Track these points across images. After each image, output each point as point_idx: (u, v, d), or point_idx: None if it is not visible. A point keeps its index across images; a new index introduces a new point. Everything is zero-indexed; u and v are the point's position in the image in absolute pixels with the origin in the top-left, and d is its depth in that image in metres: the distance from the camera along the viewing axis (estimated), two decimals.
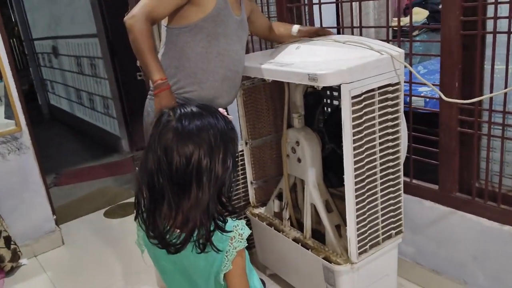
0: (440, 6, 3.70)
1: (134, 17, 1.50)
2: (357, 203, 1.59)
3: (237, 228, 1.01)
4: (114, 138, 4.45)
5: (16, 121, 2.49)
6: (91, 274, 2.45)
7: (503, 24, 1.47)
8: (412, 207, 1.90)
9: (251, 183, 2.14)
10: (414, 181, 1.90)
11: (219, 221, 0.99)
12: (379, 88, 1.53)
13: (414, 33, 3.40)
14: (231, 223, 1.02)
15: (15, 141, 2.52)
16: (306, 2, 2.19)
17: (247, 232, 1.03)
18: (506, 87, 1.48)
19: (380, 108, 1.56)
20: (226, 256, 1.00)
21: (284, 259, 1.99)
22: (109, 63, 4.18)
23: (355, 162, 1.54)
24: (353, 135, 1.51)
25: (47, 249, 2.70)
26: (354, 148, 1.53)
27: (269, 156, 2.17)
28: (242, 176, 2.26)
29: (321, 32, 1.86)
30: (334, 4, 2.38)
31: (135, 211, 1.04)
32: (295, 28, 1.88)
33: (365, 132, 1.54)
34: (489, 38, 1.53)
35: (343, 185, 1.91)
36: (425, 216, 1.89)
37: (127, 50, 4.34)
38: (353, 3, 1.96)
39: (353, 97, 1.47)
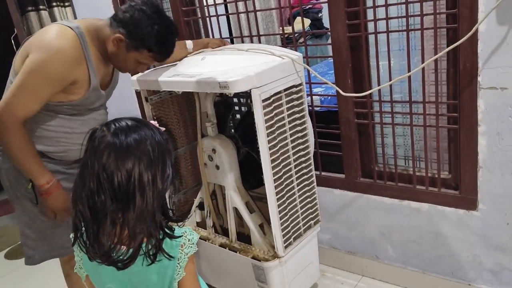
0: (320, 15, 4.02)
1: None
2: (277, 200, 1.69)
3: (186, 234, 1.03)
4: None
5: None
6: None
7: (382, 25, 1.68)
8: (324, 197, 2.06)
9: (170, 197, 2.13)
10: (323, 173, 2.07)
11: (166, 229, 1.00)
12: (285, 90, 1.66)
13: (301, 40, 3.67)
14: (178, 230, 1.04)
15: None
16: (201, 15, 2.26)
17: (196, 237, 1.06)
18: (390, 79, 1.69)
19: (288, 109, 1.68)
20: (179, 264, 1.01)
21: (213, 266, 2.02)
22: None
23: (272, 161, 1.64)
24: (267, 136, 1.61)
25: None
26: (269, 148, 1.62)
27: (185, 168, 2.19)
28: None
29: (212, 43, 1.93)
30: (225, 17, 2.50)
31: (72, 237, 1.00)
32: (189, 44, 1.91)
33: (277, 132, 1.65)
34: (371, 38, 1.74)
35: (260, 186, 2.01)
36: (336, 203, 2.07)
37: None
38: (242, 14, 2.08)
39: (263, 100, 1.57)
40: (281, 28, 3.17)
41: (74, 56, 1.42)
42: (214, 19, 2.20)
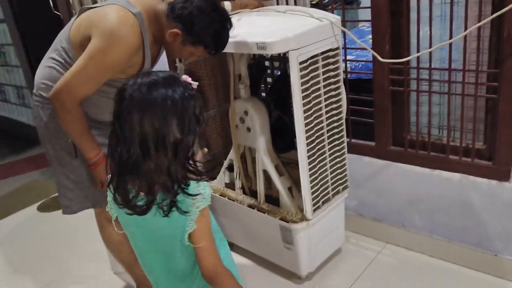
0: None
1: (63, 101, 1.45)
2: (309, 163, 1.70)
3: (199, 189, 1.04)
4: (33, 130, 4.16)
5: None
6: (37, 269, 2.34)
7: None
8: (353, 164, 2.06)
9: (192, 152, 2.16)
10: (353, 140, 2.06)
11: (183, 184, 1.02)
12: (322, 53, 1.64)
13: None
14: (193, 184, 1.05)
15: None
16: None
17: (208, 191, 1.07)
18: (430, 46, 1.66)
19: (324, 72, 1.67)
20: (190, 216, 1.03)
21: (240, 226, 2.07)
22: (21, 50, 3.88)
23: (305, 125, 1.65)
24: (302, 99, 1.61)
25: None
26: (304, 111, 1.63)
27: (214, 130, 2.21)
28: None
29: (251, 4, 1.91)
30: None
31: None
32: (227, 5, 1.89)
33: (312, 96, 1.65)
34: (413, 3, 1.69)
35: (289, 150, 2.03)
36: (364, 171, 2.07)
37: (39, 36, 4.08)
38: None
39: (300, 63, 1.56)
40: None
41: (134, 45, 1.44)
42: None
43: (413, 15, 1.72)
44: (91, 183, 1.68)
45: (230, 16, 1.57)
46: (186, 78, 1.07)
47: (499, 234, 1.76)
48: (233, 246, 2.21)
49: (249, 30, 1.68)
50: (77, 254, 2.41)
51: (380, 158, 2.00)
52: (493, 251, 1.80)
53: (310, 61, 1.59)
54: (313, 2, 2.08)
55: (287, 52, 1.54)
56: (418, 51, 1.70)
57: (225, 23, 1.51)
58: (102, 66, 1.43)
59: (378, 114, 1.93)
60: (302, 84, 1.59)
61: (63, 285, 2.19)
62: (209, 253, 1.08)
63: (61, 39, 1.53)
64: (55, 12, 2.46)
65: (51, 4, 2.45)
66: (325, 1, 3.92)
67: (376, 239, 2.14)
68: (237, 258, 2.16)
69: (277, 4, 2.02)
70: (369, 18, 1.81)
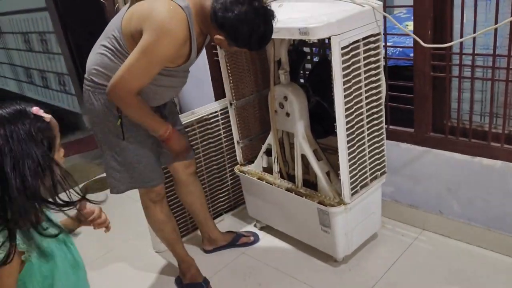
0: None
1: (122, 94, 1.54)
2: (348, 148, 1.72)
3: None
4: (74, 116, 4.33)
5: None
6: (81, 247, 2.44)
7: None
8: (390, 150, 2.06)
9: (238, 142, 2.22)
10: (391, 126, 2.06)
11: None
12: (363, 38, 1.65)
13: None
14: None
15: None
16: None
17: None
18: (475, 32, 1.64)
19: (365, 58, 1.68)
20: None
21: (277, 210, 2.11)
22: (62, 37, 4.01)
23: (346, 110, 1.66)
24: (343, 84, 1.62)
25: None
26: (344, 97, 1.64)
27: (253, 115, 2.25)
28: (226, 137, 2.35)
29: None
30: None
31: None
32: None
33: (352, 81, 1.66)
34: None
35: (327, 135, 2.05)
36: (402, 157, 2.07)
37: (79, 23, 4.19)
38: None
39: (342, 48, 1.57)
40: None
41: (183, 38, 1.51)
42: None
43: (457, 0, 1.70)
44: (137, 165, 1.76)
45: (270, 4, 1.60)
46: (37, 111, 1.03)
47: None
48: (270, 229, 2.27)
49: (290, 15, 1.70)
50: (119, 234, 2.51)
51: (419, 144, 1.99)
52: None
53: (351, 46, 1.61)
54: None
55: (329, 37, 1.56)
56: (461, 37, 1.69)
57: (268, 23, 1.54)
58: (153, 59, 1.49)
59: (418, 100, 1.92)
60: (343, 69, 1.61)
61: (107, 262, 2.30)
62: None
63: (113, 28, 1.59)
64: (101, 0, 2.54)
65: None
66: None
67: (412, 226, 2.15)
68: (274, 241, 2.22)
69: None
70: (407, 3, 1.80)
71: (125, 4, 2.50)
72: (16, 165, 0.96)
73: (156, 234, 2.02)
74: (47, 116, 1.03)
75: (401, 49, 2.66)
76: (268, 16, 1.54)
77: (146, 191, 1.87)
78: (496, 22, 1.59)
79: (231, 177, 2.44)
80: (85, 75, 1.70)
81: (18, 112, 1.00)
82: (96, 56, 1.64)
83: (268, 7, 1.55)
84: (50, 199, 1.05)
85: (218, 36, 1.53)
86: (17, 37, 4.70)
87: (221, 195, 2.44)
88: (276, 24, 1.59)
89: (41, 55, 4.45)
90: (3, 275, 1.01)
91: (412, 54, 2.37)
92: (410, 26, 1.95)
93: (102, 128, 1.72)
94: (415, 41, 1.82)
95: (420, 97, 1.91)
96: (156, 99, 1.70)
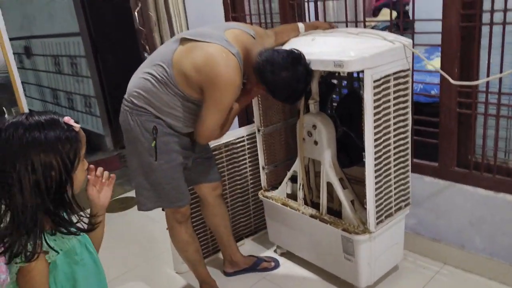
0: (407, 7, 3.96)
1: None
2: (375, 177, 1.77)
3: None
4: (97, 137, 4.45)
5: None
6: (103, 266, 2.49)
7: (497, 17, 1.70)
8: (414, 183, 2.10)
9: (263, 168, 2.28)
10: (415, 160, 2.11)
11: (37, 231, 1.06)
12: (394, 73, 1.73)
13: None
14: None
15: None
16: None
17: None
18: (501, 71, 1.71)
19: (394, 92, 1.76)
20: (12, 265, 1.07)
21: (300, 236, 2.15)
22: (92, 61, 4.18)
23: (375, 140, 1.73)
24: (374, 115, 1.69)
25: None
26: (374, 127, 1.71)
27: (278, 142, 2.32)
28: (251, 163, 2.41)
29: (322, 26, 2.04)
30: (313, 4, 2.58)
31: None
32: (301, 27, 2.03)
33: (382, 113, 1.73)
34: (484, 29, 1.76)
35: (351, 165, 2.11)
36: (425, 190, 2.11)
37: (109, 48, 4.38)
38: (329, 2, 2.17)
39: (374, 81, 1.65)
40: (368, 19, 3.20)
41: (240, 83, 1.69)
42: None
43: (484, 41, 1.78)
44: (166, 186, 1.82)
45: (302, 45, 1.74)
46: (68, 120, 1.10)
47: None
48: (291, 256, 2.29)
49: (324, 49, 1.79)
50: (141, 254, 2.55)
51: (443, 178, 2.04)
52: None
53: (383, 80, 1.68)
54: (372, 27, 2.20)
55: (362, 70, 1.64)
56: (488, 76, 1.76)
57: (307, 85, 1.72)
58: (225, 107, 1.70)
59: (443, 135, 1.98)
60: (374, 101, 1.68)
61: (127, 280, 2.33)
62: None
63: (161, 58, 1.71)
64: (140, 28, 2.68)
65: (137, 20, 2.67)
66: (380, 26, 4.03)
67: (433, 259, 2.16)
68: (295, 268, 2.24)
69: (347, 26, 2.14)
70: (427, 42, 1.89)
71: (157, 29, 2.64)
72: (44, 168, 1.04)
73: (180, 254, 2.06)
74: (76, 126, 1.11)
75: (422, 86, 2.74)
76: (308, 79, 1.69)
77: (172, 211, 1.92)
78: None
79: (253, 202, 2.49)
80: (125, 96, 1.79)
81: (52, 120, 1.08)
82: (139, 80, 1.74)
83: (309, 66, 1.68)
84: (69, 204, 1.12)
85: (260, 88, 1.73)
86: (47, 59, 4.89)
87: (242, 219, 2.48)
88: (310, 56, 1.69)
89: (70, 78, 4.62)
90: (35, 274, 1.09)
91: (433, 92, 2.45)
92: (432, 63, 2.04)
93: (136, 148, 1.79)
94: (442, 79, 1.89)
95: (445, 132, 1.97)
96: (191, 126, 1.81)
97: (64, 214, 1.13)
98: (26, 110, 2.56)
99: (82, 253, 1.20)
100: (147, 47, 2.67)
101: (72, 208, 1.13)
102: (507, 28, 1.70)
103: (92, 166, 1.25)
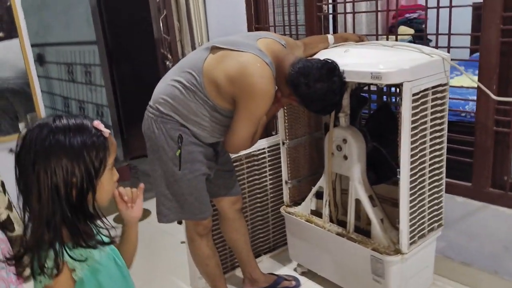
0: (423, 26, 3.93)
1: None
2: (410, 195, 1.69)
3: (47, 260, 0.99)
4: None
5: None
6: None
7: None
8: (445, 203, 2.02)
9: (286, 182, 2.20)
10: (447, 179, 2.03)
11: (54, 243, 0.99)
12: (432, 87, 1.66)
13: None
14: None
15: None
16: (332, 11, 2.32)
17: (52, 267, 0.98)
18: None
19: (432, 107, 1.69)
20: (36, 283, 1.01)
21: (324, 255, 2.05)
22: (107, 70, 4.15)
23: (411, 156, 1.65)
24: (411, 130, 1.62)
25: None
26: (411, 143, 1.63)
27: (303, 156, 2.25)
28: (272, 176, 2.33)
29: (352, 38, 1.99)
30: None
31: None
32: (331, 39, 1.98)
33: (419, 128, 1.66)
34: None
35: (380, 182, 2.03)
36: (457, 211, 2.02)
37: (125, 57, 4.37)
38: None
39: (413, 95, 1.59)
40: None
41: (273, 92, 1.64)
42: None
43: None
44: (189, 196, 1.75)
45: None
46: (98, 124, 1.05)
47: None
48: (312, 275, 2.20)
49: (358, 60, 1.74)
50: (157, 268, 2.46)
51: (476, 199, 1.95)
52: None
53: (421, 94, 1.62)
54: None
55: (400, 84, 1.57)
56: None
57: (341, 97, 1.69)
58: (257, 117, 1.66)
59: (478, 154, 1.90)
60: (412, 115, 1.61)
61: None
62: None
63: (190, 66, 1.66)
64: (164, 36, 2.64)
65: (162, 29, 2.63)
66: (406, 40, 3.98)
67: (464, 285, 2.06)
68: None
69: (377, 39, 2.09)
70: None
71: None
72: (64, 173, 0.98)
73: (199, 268, 1.97)
74: (106, 131, 1.05)
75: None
76: (343, 90, 1.65)
77: (194, 224, 1.85)
78: None
79: (273, 217, 2.41)
80: (150, 103, 1.73)
81: (80, 124, 1.03)
82: (166, 87, 1.69)
83: (344, 77, 1.62)
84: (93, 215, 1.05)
85: (292, 98, 1.67)
86: (61, 67, 4.87)
87: (261, 235, 2.40)
88: (345, 67, 1.63)
89: (83, 86, 4.58)
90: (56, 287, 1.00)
91: (463, 108, 2.37)
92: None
93: (160, 156, 1.72)
94: (478, 95, 1.83)
95: (480, 151, 1.89)
96: (216, 137, 1.76)
97: (85, 225, 1.05)
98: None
99: (108, 268, 1.11)
100: (169, 56, 2.62)
101: (93, 219, 1.06)
102: None
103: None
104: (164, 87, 1.70)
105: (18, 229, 2.31)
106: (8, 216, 2.26)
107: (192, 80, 1.63)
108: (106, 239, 1.10)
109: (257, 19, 2.69)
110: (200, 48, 1.72)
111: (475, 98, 1.90)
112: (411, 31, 4.04)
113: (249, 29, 2.70)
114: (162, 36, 2.67)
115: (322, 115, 1.81)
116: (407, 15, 4.27)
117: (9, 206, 2.27)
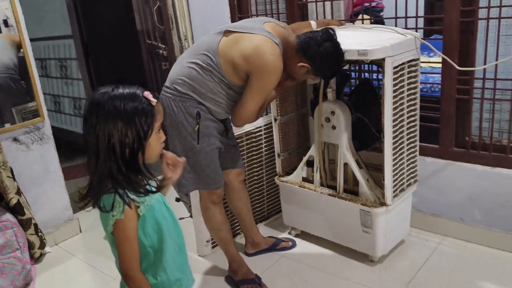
0: (381, 14, 4.21)
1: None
2: (393, 155, 1.99)
3: (117, 203, 1.17)
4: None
5: (40, 111, 2.57)
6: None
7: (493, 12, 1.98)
8: None
9: (278, 155, 2.45)
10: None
11: (117, 189, 1.17)
12: (408, 62, 1.96)
13: None
14: (109, 197, 1.17)
15: (38, 131, 2.58)
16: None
17: (119, 209, 1.17)
18: (497, 59, 1.98)
19: (408, 78, 1.99)
20: (108, 220, 1.21)
21: (317, 215, 2.33)
22: (83, 64, 4.23)
23: (393, 121, 1.95)
24: (392, 99, 1.91)
25: (66, 237, 2.76)
26: (392, 110, 1.93)
27: (292, 131, 2.51)
28: (267, 151, 2.58)
29: (333, 23, 2.26)
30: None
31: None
32: (314, 24, 2.24)
33: (399, 97, 1.96)
34: (480, 24, 2.03)
35: (362, 149, 2.32)
36: (426, 170, 2.35)
37: (102, 50, 4.42)
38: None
39: (393, 68, 1.88)
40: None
41: (282, 70, 1.85)
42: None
43: (480, 36, 2.05)
44: (206, 168, 1.96)
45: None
46: (147, 94, 1.20)
47: None
48: (305, 236, 2.47)
49: (345, 40, 1.99)
50: None
51: (443, 158, 2.28)
52: None
53: (399, 67, 1.91)
54: None
55: (383, 59, 1.86)
56: (485, 64, 2.03)
57: (343, 57, 1.89)
58: (267, 91, 1.89)
59: (443, 119, 2.23)
60: (393, 86, 1.90)
61: None
62: (122, 258, 1.21)
63: (206, 49, 1.86)
64: (159, 25, 2.80)
65: (155, 19, 2.79)
66: None
67: (434, 233, 2.40)
68: (310, 246, 2.42)
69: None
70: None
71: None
72: (120, 134, 1.15)
73: (213, 234, 2.19)
74: (154, 101, 1.21)
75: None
76: (343, 53, 1.88)
77: (209, 193, 2.05)
78: None
79: (267, 189, 2.66)
80: (167, 84, 1.92)
81: (133, 93, 1.19)
82: (183, 69, 1.88)
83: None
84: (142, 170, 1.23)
85: (303, 65, 1.85)
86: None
87: (257, 205, 2.64)
88: None
89: (58, 81, 4.62)
90: (128, 225, 1.20)
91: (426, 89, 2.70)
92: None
93: (179, 132, 1.91)
94: (443, 69, 2.15)
95: (445, 117, 2.22)
96: (227, 112, 1.96)
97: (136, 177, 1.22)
98: (44, 109, 2.61)
99: (161, 209, 1.32)
100: (160, 45, 2.78)
101: (142, 174, 1.24)
102: (502, 22, 1.98)
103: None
104: (180, 69, 1.90)
105: (28, 213, 2.43)
106: (18, 201, 2.37)
107: (208, 61, 1.84)
108: (154, 189, 1.30)
109: (239, 9, 2.90)
110: (211, 33, 1.92)
111: (439, 72, 2.23)
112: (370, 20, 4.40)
113: (233, 19, 2.91)
114: (156, 26, 2.83)
115: (328, 80, 2.01)
116: (366, 4, 4.63)
117: (18, 192, 2.38)
